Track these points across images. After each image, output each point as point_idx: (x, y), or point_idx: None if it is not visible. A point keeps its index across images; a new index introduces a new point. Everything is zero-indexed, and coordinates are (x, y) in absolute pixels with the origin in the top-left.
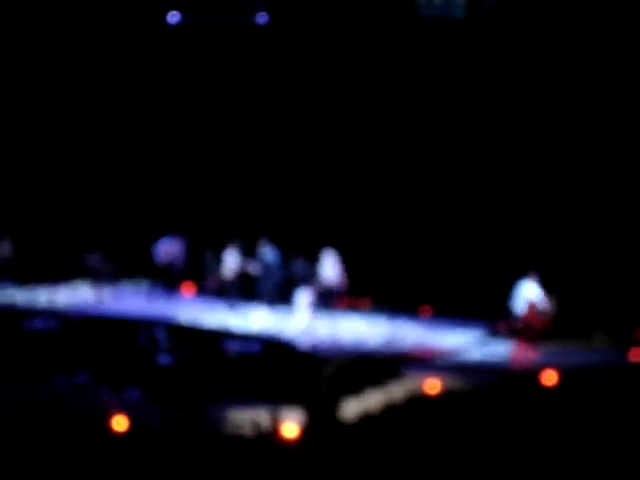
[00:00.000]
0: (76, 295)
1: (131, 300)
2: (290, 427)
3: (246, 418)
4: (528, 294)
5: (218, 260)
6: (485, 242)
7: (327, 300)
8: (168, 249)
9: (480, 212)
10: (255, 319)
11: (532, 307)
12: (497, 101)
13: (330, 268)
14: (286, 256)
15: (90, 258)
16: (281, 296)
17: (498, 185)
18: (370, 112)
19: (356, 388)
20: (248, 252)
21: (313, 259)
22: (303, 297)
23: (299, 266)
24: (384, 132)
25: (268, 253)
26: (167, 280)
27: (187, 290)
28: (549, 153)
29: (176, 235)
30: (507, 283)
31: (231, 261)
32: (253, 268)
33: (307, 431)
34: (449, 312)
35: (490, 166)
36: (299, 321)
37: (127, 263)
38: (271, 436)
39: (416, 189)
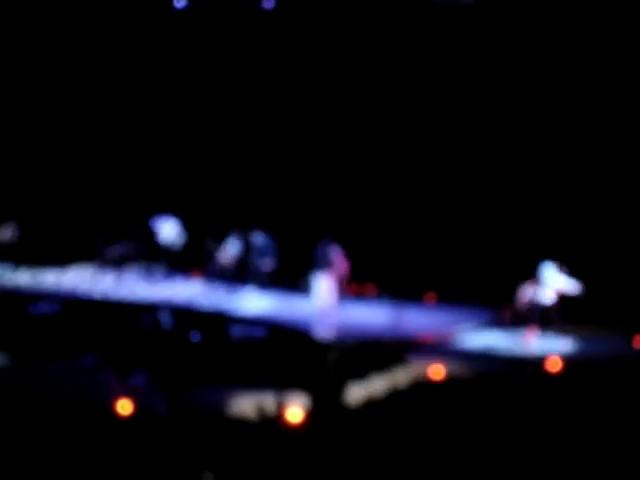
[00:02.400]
0: (81, 278)
1: (136, 283)
2: (295, 411)
3: (251, 402)
4: (554, 282)
5: (218, 246)
6: (491, 229)
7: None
8: (167, 230)
9: (486, 199)
10: (252, 304)
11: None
12: (507, 88)
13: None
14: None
15: (97, 241)
16: (274, 281)
17: (506, 172)
18: (379, 100)
19: (361, 373)
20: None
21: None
22: (322, 282)
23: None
24: (392, 119)
25: (259, 239)
26: (169, 263)
27: (192, 273)
28: (559, 141)
29: (171, 216)
30: (511, 270)
31: (231, 248)
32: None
33: (312, 416)
34: (454, 299)
35: (499, 152)
36: (317, 305)
37: (131, 247)
38: (276, 420)
39: (423, 175)
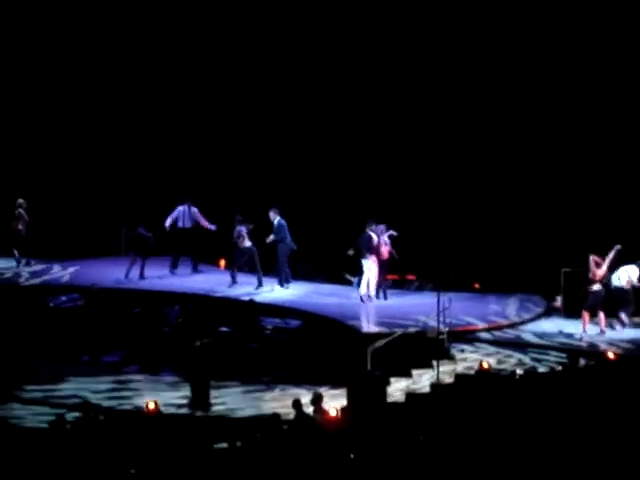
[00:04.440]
0: (108, 269)
1: (163, 274)
2: (333, 407)
3: (287, 397)
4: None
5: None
6: (538, 219)
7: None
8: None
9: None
10: (284, 292)
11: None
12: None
13: (383, 243)
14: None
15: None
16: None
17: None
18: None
19: (402, 365)
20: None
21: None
22: (371, 267)
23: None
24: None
25: (277, 222)
26: (195, 253)
27: (219, 264)
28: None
29: (190, 205)
30: (561, 260)
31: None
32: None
33: (350, 411)
34: (501, 289)
35: (545, 147)
36: (363, 289)
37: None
38: (313, 416)
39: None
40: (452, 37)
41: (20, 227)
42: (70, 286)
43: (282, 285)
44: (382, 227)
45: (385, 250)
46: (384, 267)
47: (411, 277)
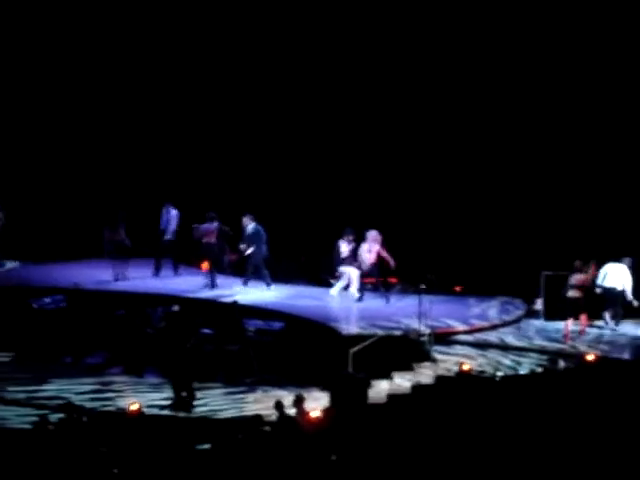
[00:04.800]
0: (91, 271)
1: (145, 277)
2: (315, 408)
3: (269, 398)
4: (621, 278)
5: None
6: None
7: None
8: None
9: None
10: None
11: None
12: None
13: (367, 249)
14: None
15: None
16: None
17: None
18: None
19: (384, 367)
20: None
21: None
22: (353, 272)
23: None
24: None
25: (251, 228)
26: (176, 255)
27: (201, 266)
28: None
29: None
30: (542, 263)
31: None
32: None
33: (332, 412)
34: (482, 292)
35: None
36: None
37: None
38: (295, 417)
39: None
40: (441, 36)
41: None
42: (53, 287)
43: (269, 286)
44: (374, 233)
45: (372, 256)
46: (372, 271)
47: (393, 280)
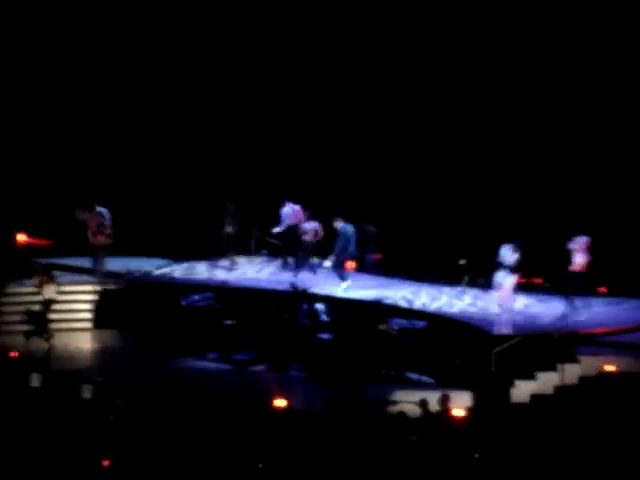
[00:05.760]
0: (234, 269)
1: (283, 274)
2: (459, 407)
3: (413, 398)
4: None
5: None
6: None
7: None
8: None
9: None
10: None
11: None
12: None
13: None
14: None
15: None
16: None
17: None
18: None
19: (527, 368)
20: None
21: None
22: (509, 280)
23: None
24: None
25: (340, 228)
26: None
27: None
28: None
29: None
30: None
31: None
32: None
33: (476, 411)
34: (628, 293)
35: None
36: (501, 300)
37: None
38: (439, 416)
39: None
40: (436, 34)
41: None
42: (203, 285)
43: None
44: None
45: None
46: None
47: (538, 280)
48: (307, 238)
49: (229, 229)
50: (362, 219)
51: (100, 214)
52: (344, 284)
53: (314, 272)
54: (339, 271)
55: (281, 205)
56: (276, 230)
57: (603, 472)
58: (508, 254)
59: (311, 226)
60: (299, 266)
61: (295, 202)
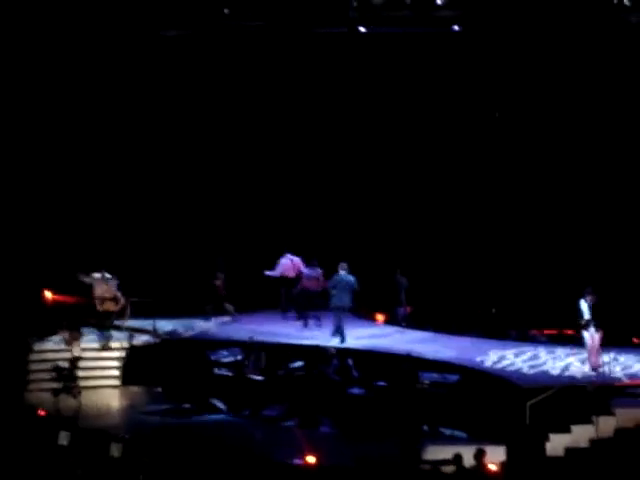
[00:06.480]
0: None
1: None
2: (493, 462)
3: (447, 453)
4: None
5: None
6: None
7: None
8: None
9: None
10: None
11: None
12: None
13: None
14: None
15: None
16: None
17: None
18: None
19: (562, 420)
20: None
21: None
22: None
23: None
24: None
25: (338, 275)
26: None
27: (375, 318)
28: None
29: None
30: None
31: None
32: None
33: (511, 465)
34: None
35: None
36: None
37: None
38: (474, 471)
39: None
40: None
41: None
42: (229, 340)
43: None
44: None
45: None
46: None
47: (569, 332)
48: (310, 286)
49: (218, 282)
50: (396, 270)
51: (106, 280)
52: (335, 340)
53: (319, 322)
54: (334, 324)
55: (282, 254)
56: (267, 273)
57: None
58: (585, 307)
59: (314, 273)
60: (302, 317)
61: (294, 254)
